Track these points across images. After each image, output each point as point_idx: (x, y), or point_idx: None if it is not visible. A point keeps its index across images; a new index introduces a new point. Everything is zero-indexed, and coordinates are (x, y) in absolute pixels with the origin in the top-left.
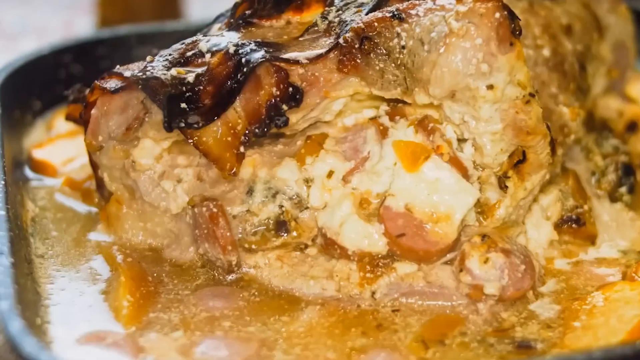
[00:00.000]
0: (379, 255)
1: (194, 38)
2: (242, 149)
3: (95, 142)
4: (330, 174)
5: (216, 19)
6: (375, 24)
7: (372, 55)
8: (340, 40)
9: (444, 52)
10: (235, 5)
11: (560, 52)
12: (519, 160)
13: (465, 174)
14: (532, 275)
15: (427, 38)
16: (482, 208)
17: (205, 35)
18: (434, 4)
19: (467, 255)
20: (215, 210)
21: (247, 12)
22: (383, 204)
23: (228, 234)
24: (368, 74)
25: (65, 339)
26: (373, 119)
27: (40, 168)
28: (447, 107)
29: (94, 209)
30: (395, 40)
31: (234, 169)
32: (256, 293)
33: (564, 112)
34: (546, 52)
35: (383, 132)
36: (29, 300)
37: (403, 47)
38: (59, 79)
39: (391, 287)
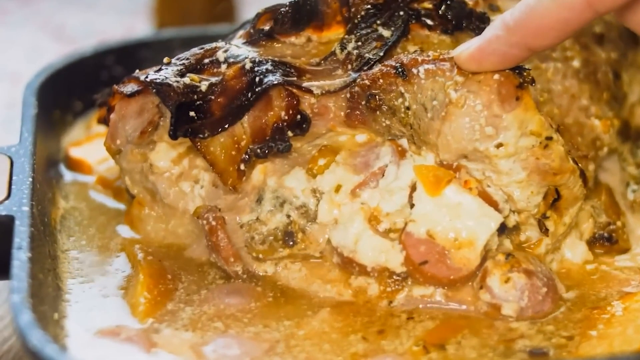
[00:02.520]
0: (398, 271)
1: (214, 44)
2: (242, 166)
3: (113, 145)
4: (338, 188)
5: (242, 25)
6: (380, 80)
7: (378, 112)
8: (348, 96)
9: (445, 122)
10: (258, 15)
11: (593, 61)
12: (554, 199)
13: (496, 208)
14: (553, 299)
15: (429, 105)
16: (522, 245)
17: (227, 43)
18: (435, 65)
19: (489, 273)
20: (214, 223)
21: (266, 27)
22: (404, 231)
23: (229, 246)
24: (375, 128)
25: (80, 333)
26: (391, 140)
27: (76, 166)
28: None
29: (124, 207)
30: (400, 100)
31: (235, 185)
32: (272, 294)
33: (595, 125)
34: (576, 63)
35: (401, 153)
36: (48, 295)
37: (408, 109)
38: (101, 80)
39: (409, 299)
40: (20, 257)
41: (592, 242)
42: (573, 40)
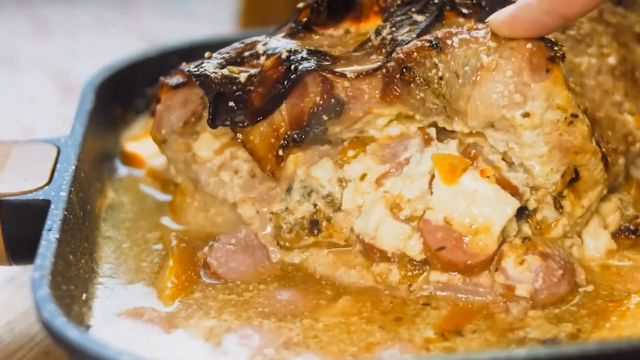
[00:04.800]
0: (417, 259)
1: (255, 38)
2: (280, 152)
3: (159, 135)
4: (363, 177)
5: (286, 23)
6: (415, 54)
7: (412, 85)
8: (383, 71)
9: (476, 86)
10: (298, 10)
11: (631, 60)
12: (572, 179)
13: (515, 192)
14: (570, 281)
15: (462, 71)
16: (539, 226)
17: (267, 37)
18: (469, 34)
19: (504, 255)
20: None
21: (304, 19)
22: (422, 218)
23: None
24: (410, 102)
25: (105, 313)
26: (420, 128)
27: (130, 160)
28: (490, 137)
29: (171, 198)
30: (434, 71)
31: (274, 171)
32: (298, 282)
33: (628, 120)
34: (612, 60)
35: (427, 141)
36: (79, 276)
37: (441, 78)
38: None
39: (428, 283)
40: (49, 238)
41: (617, 234)
42: (611, 38)
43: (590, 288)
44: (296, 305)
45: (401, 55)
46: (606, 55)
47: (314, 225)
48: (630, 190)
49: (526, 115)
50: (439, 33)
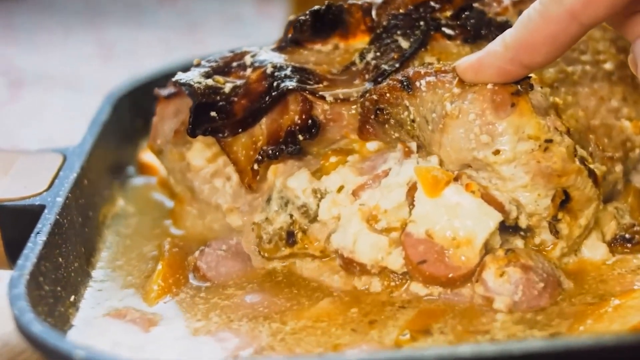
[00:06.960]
0: (399, 272)
1: (245, 49)
2: (255, 166)
3: (155, 145)
4: (340, 189)
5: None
6: (387, 94)
7: (387, 126)
8: (359, 110)
9: (443, 133)
10: (289, 23)
11: None
12: (563, 201)
13: (501, 210)
14: (551, 295)
15: (430, 117)
16: (537, 248)
17: (259, 48)
18: (436, 77)
19: (486, 267)
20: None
21: (291, 34)
22: (404, 231)
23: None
24: (386, 140)
25: (91, 314)
26: (401, 141)
27: (145, 170)
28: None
29: None
30: (406, 113)
31: (250, 184)
32: (284, 287)
33: (625, 126)
34: (609, 65)
35: (407, 153)
36: (68, 279)
37: (413, 121)
38: None
39: (410, 293)
40: (35, 241)
41: (612, 244)
42: (609, 43)
43: (572, 291)
44: (278, 308)
45: (374, 97)
46: (602, 62)
47: (290, 236)
48: (628, 198)
49: (497, 152)
50: (410, 71)
